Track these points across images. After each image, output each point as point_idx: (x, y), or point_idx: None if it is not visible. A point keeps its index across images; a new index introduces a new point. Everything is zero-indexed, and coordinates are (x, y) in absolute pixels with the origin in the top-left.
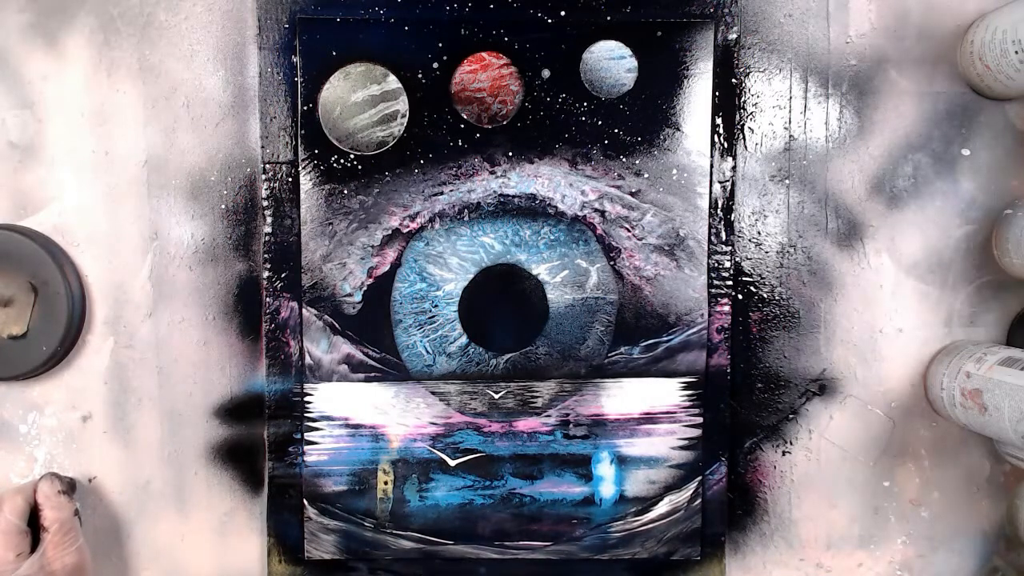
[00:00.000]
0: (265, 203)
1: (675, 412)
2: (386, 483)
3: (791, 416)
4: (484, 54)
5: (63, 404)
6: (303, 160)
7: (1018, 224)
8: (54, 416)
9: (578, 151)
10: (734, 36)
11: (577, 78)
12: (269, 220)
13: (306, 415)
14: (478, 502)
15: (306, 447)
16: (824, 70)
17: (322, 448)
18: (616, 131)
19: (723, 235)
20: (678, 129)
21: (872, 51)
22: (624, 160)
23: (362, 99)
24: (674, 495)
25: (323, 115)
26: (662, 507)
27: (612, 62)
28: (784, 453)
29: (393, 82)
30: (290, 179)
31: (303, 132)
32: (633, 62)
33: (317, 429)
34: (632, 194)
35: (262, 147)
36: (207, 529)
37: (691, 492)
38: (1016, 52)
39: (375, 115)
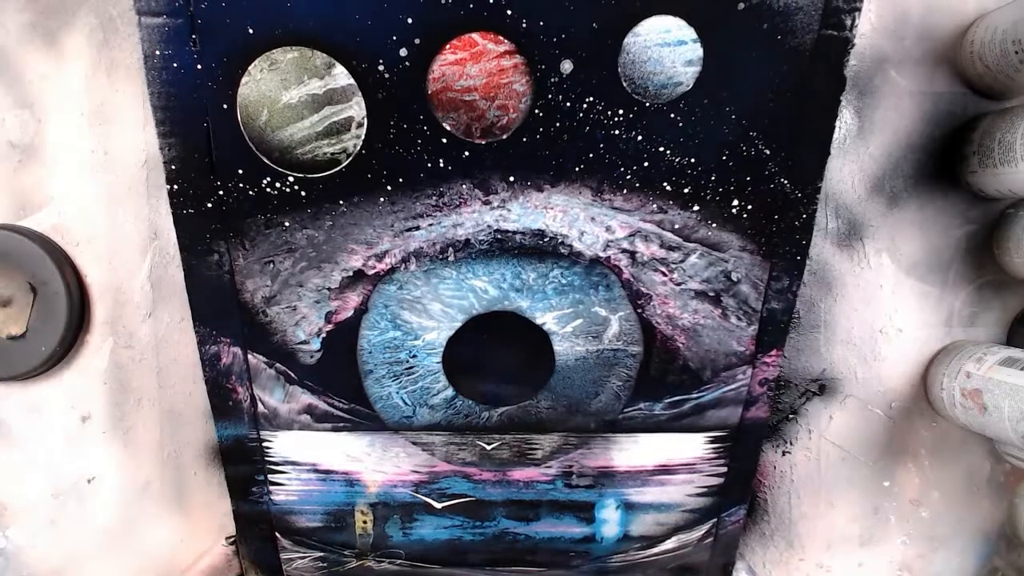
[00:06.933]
0: (177, 231)
1: (696, 464)
2: (365, 522)
3: (791, 416)
4: (476, 36)
5: (62, 404)
6: (221, 181)
7: (1018, 224)
8: (53, 416)
9: (606, 176)
10: (852, 14)
11: (613, 73)
12: (183, 254)
13: (267, 459)
14: (467, 539)
15: (272, 487)
16: None
17: (290, 489)
18: (662, 149)
19: (788, 280)
20: (756, 147)
21: (872, 51)
22: (670, 188)
23: (299, 100)
24: (684, 535)
25: (245, 121)
26: (668, 544)
27: (667, 50)
28: (784, 453)
29: (342, 76)
30: (208, 204)
31: (217, 143)
32: (697, 50)
33: (282, 472)
34: (675, 230)
35: (164, 161)
36: (207, 529)
37: (703, 532)
38: (1016, 52)
39: (319, 123)
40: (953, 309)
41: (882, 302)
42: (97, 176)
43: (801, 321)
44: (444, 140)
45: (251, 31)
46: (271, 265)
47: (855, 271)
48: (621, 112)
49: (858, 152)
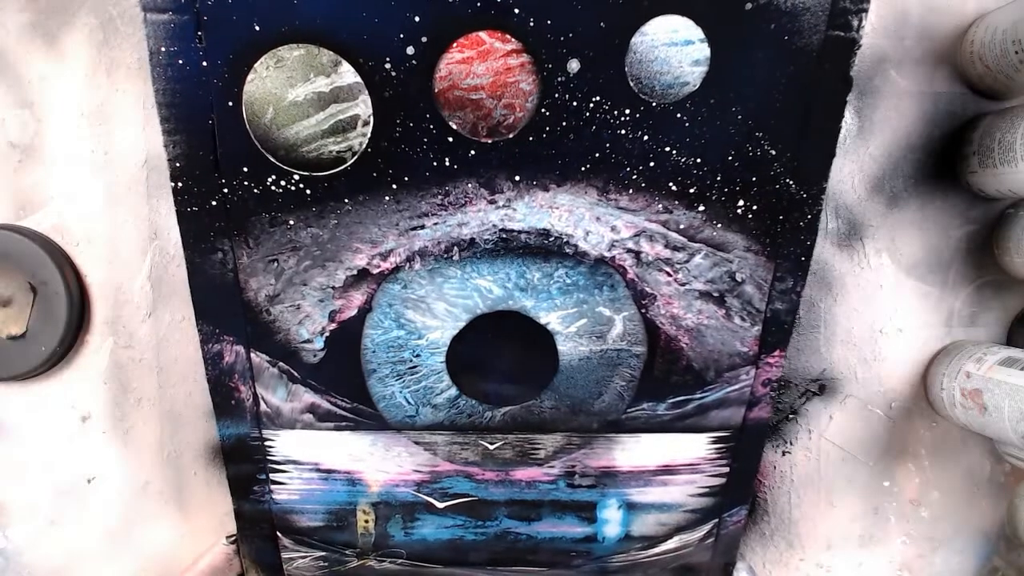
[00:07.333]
0: (180, 229)
1: (699, 464)
2: (367, 521)
3: (791, 416)
4: (483, 35)
5: (62, 404)
6: (226, 179)
7: (1019, 224)
8: (53, 416)
9: (612, 175)
10: (860, 14)
11: (620, 73)
12: (186, 253)
13: (269, 459)
14: (468, 538)
15: (273, 486)
16: None
17: (291, 488)
18: (668, 149)
19: (792, 281)
20: (761, 147)
21: (872, 51)
22: (675, 188)
23: (304, 98)
24: (685, 535)
25: (250, 118)
26: (670, 544)
27: (674, 49)
28: (784, 453)
29: (348, 74)
30: (213, 202)
31: (222, 141)
32: (704, 50)
33: (283, 471)
34: (680, 231)
35: (168, 159)
36: (207, 529)
37: (704, 532)
38: (1016, 52)
39: (325, 121)
40: (953, 309)
41: (882, 302)
42: (97, 176)
43: (801, 321)
44: (450, 139)
45: (257, 28)
46: (275, 263)
47: (855, 271)
48: (627, 112)
49: (858, 152)
